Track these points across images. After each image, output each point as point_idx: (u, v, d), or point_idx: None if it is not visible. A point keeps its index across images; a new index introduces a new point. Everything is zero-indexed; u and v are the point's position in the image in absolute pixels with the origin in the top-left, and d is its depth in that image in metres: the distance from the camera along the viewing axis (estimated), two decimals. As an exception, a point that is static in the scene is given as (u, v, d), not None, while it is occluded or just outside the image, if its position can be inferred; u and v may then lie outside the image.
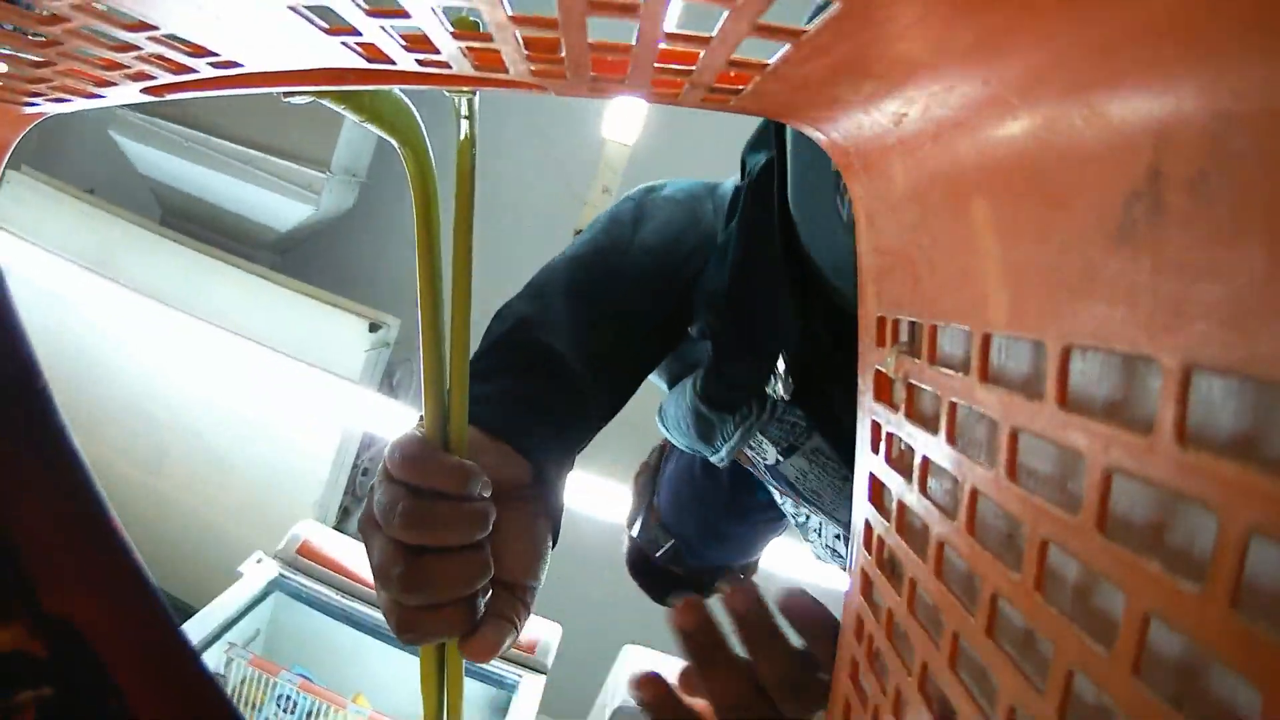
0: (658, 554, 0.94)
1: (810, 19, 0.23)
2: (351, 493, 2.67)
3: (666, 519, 0.94)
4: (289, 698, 1.75)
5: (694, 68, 0.28)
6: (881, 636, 0.36)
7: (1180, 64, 0.16)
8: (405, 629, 0.45)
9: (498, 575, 0.48)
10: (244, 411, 2.59)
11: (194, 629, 1.66)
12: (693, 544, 0.93)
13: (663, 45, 0.26)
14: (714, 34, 0.25)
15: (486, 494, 0.45)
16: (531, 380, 0.56)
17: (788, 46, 0.25)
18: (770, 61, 0.27)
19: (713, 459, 0.73)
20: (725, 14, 0.23)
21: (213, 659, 1.69)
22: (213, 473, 2.63)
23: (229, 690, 1.72)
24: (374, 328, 2.48)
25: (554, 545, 0.54)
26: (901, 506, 0.33)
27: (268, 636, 1.94)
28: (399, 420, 2.32)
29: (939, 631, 0.29)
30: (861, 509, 0.39)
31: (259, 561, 1.91)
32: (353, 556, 1.98)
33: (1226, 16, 0.15)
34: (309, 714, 1.76)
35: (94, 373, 2.58)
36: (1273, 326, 0.14)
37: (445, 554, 0.44)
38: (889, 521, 0.35)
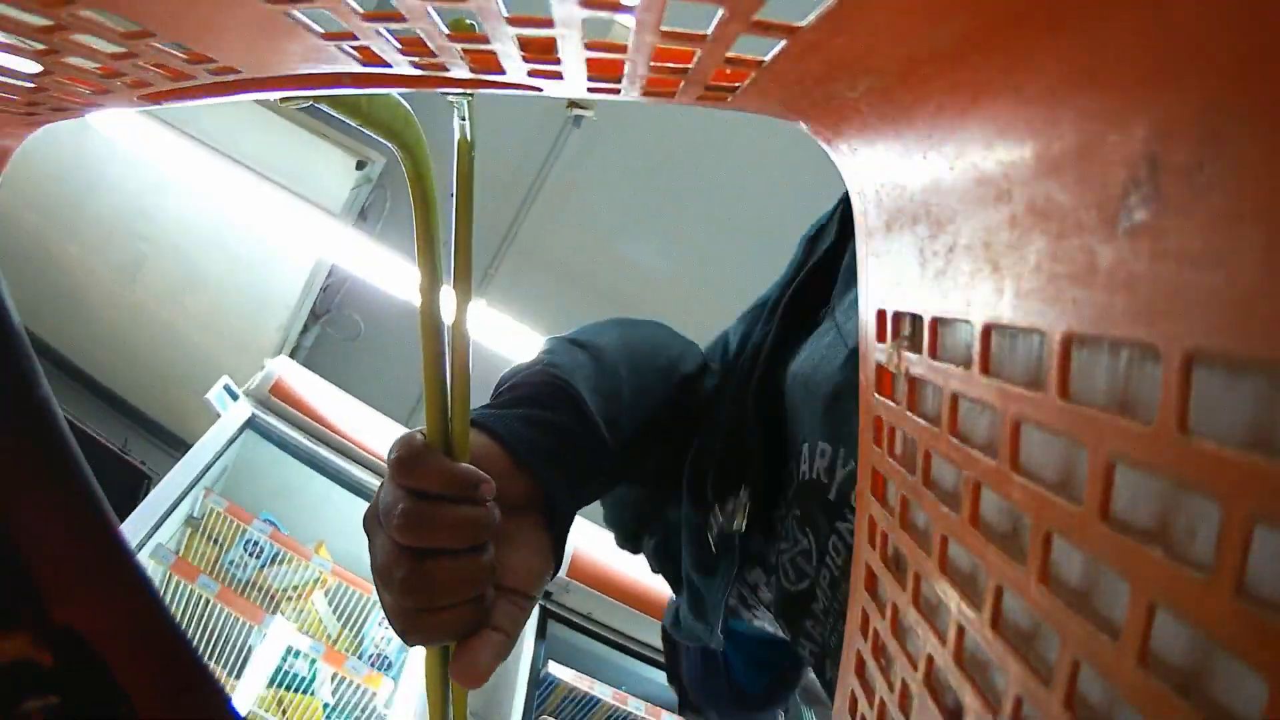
0: None
1: None
2: (312, 312, 2.68)
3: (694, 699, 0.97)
4: (256, 543, 1.82)
5: (690, 66, 0.28)
6: (887, 631, 0.36)
7: (1173, 61, 0.16)
8: (407, 631, 0.45)
9: (500, 581, 0.48)
10: (223, 232, 2.59)
11: (180, 474, 1.68)
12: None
13: (658, 44, 0.26)
14: (709, 32, 0.25)
15: (490, 497, 0.45)
16: (553, 411, 0.56)
17: (783, 43, 0.25)
18: (766, 59, 0.27)
19: (710, 641, 0.75)
20: (720, 12, 0.23)
21: (191, 501, 1.74)
22: (185, 287, 2.64)
23: (200, 531, 1.79)
24: (360, 165, 2.44)
25: (554, 573, 0.54)
26: (904, 501, 0.33)
27: (234, 472, 1.96)
28: (373, 258, 2.32)
29: (944, 625, 0.29)
30: (865, 504, 0.39)
31: (228, 392, 1.89)
32: (323, 399, 1.98)
33: (1213, 23, 0.15)
34: (274, 559, 1.83)
35: (80, 177, 2.57)
36: (1273, 312, 0.14)
37: (446, 557, 0.44)
38: (892, 516, 0.35)
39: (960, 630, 0.28)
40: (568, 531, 0.55)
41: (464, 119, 0.45)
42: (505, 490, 0.48)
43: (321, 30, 0.30)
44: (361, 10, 0.27)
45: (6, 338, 0.35)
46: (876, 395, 0.36)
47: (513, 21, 0.25)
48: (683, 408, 0.70)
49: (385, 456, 0.46)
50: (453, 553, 0.44)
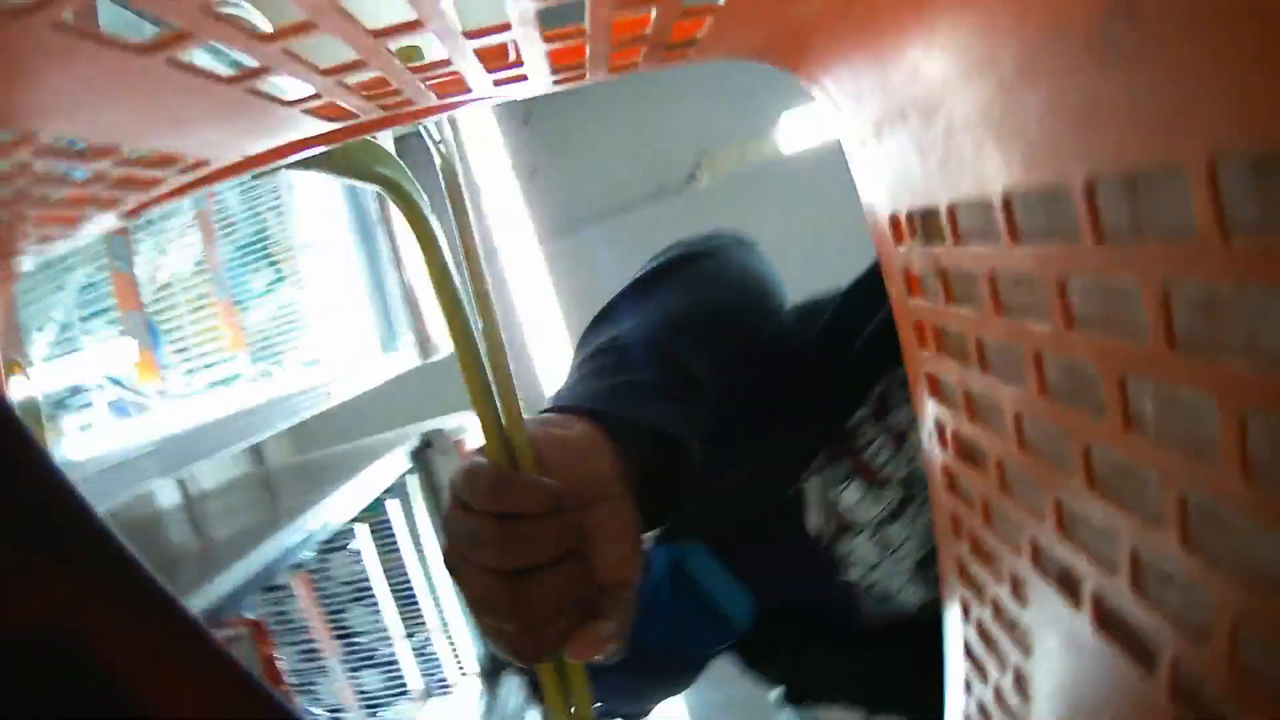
0: None
1: None
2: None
3: None
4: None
5: (648, 30, 0.28)
6: (980, 525, 0.36)
7: None
8: (521, 653, 0.45)
9: (596, 578, 0.48)
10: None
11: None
12: None
13: (614, 16, 0.26)
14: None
15: (565, 502, 0.45)
16: (619, 368, 0.54)
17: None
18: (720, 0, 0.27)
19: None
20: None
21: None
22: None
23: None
24: (527, 119, 2.49)
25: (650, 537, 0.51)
26: (967, 393, 0.33)
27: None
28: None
29: (1041, 502, 0.29)
30: (926, 410, 0.39)
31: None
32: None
33: None
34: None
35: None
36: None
37: (541, 571, 0.44)
38: (957, 410, 0.35)
39: (1057, 504, 0.28)
40: (669, 497, 0.54)
41: (439, 141, 0.45)
42: (576, 478, 0.47)
43: (285, 98, 0.30)
44: (319, 67, 0.27)
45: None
46: (911, 300, 0.36)
47: (469, 35, 0.26)
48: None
49: (450, 489, 0.46)
50: (548, 564, 0.44)
